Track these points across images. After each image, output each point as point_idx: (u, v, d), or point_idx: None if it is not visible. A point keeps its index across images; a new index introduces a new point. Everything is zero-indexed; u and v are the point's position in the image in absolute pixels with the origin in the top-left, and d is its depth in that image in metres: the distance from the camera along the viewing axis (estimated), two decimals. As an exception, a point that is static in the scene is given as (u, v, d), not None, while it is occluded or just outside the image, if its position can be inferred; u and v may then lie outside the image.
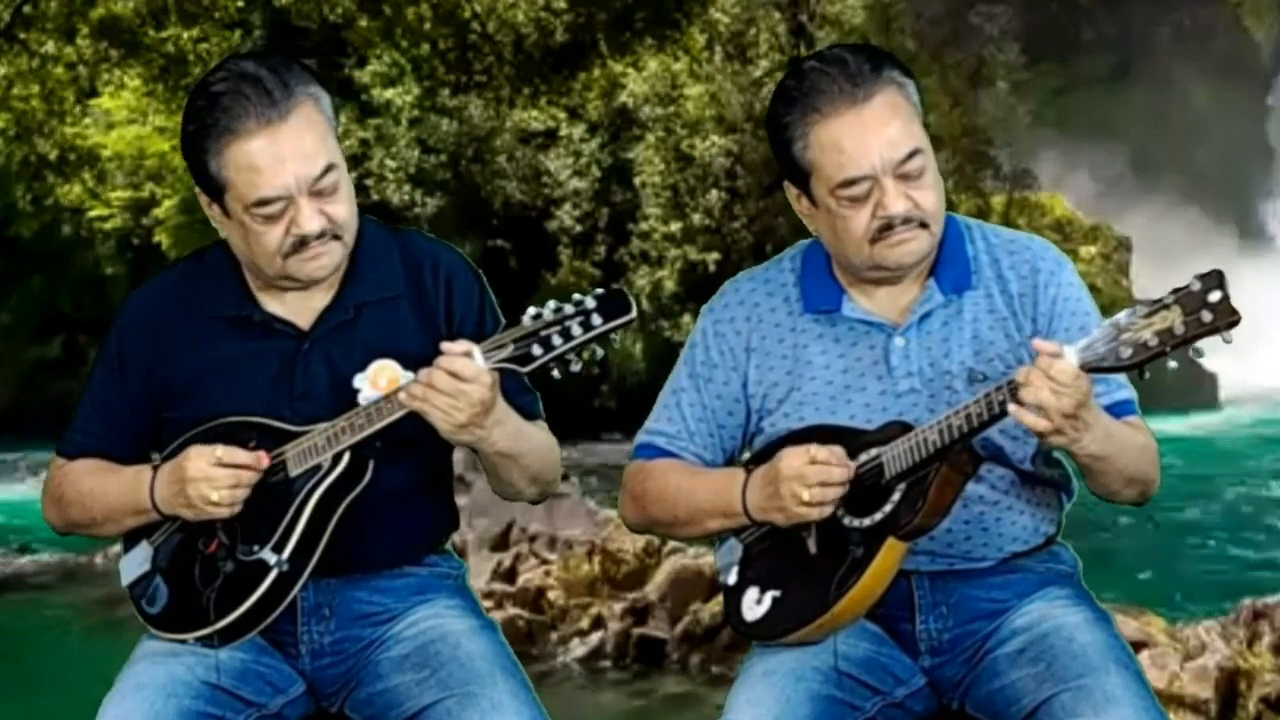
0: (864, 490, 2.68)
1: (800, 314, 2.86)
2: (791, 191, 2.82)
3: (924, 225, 2.73)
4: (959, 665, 2.83)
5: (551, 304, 2.61)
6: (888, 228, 2.71)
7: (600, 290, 2.61)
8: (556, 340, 2.59)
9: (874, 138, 2.70)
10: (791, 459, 2.67)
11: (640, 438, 2.94)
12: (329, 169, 2.73)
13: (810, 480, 2.65)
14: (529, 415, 2.84)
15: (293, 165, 2.71)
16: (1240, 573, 13.76)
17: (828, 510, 2.67)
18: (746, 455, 2.89)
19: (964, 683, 2.82)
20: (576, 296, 2.62)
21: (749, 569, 2.80)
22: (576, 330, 2.58)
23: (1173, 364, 2.50)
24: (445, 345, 2.64)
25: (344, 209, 2.77)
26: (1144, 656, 8.22)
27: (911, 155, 2.71)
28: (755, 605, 2.77)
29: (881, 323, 2.81)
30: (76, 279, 23.67)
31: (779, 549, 2.76)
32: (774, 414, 2.84)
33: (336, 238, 2.77)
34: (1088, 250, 26.45)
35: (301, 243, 2.74)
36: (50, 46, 24.04)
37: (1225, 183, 35.48)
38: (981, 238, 2.86)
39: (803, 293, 2.86)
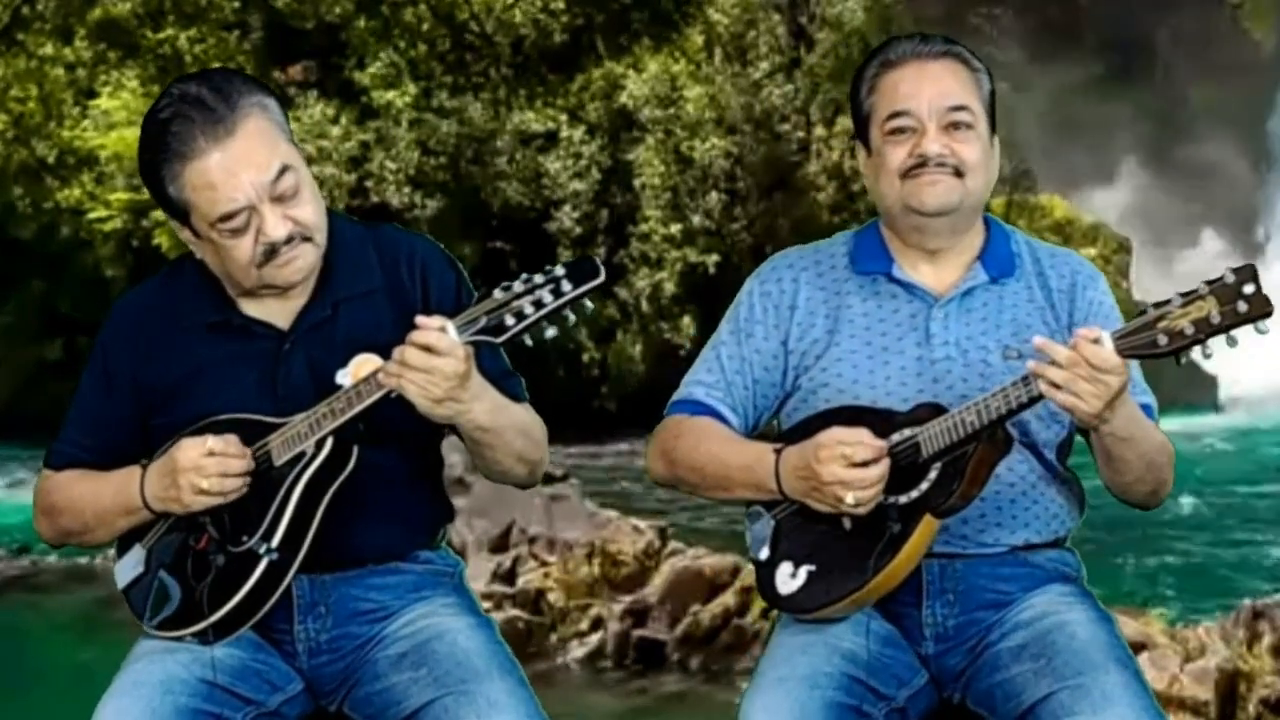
0: (900, 468, 2.72)
1: (847, 279, 2.95)
2: (861, 156, 2.97)
3: (959, 174, 2.86)
4: (961, 654, 2.85)
5: (522, 275, 2.62)
6: (921, 165, 2.84)
7: (569, 258, 2.63)
8: (529, 309, 2.59)
9: (929, 85, 2.87)
10: (830, 465, 2.70)
11: (679, 392, 3.00)
12: (284, 171, 2.75)
13: (854, 485, 2.69)
14: (514, 398, 2.85)
15: (247, 175, 2.73)
16: (1240, 574, 13.75)
17: (871, 506, 2.72)
18: (778, 434, 2.92)
19: (965, 674, 2.84)
20: (547, 266, 2.63)
21: (781, 544, 2.84)
22: (548, 298, 2.59)
23: (1208, 355, 2.55)
24: (420, 319, 2.64)
25: (309, 210, 2.79)
26: (1144, 658, 8.22)
27: (960, 108, 2.85)
28: (790, 579, 2.82)
29: (926, 292, 2.91)
30: (77, 281, 23.65)
31: (813, 524, 2.80)
32: (811, 369, 2.91)
33: (307, 240, 2.79)
34: (1087, 252, 26.46)
35: (272, 250, 2.76)
36: (48, 48, 24.05)
37: (1225, 184, 35.49)
38: (1024, 240, 3.01)
39: (852, 260, 2.97)
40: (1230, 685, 8.39)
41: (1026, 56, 31.59)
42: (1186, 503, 16.71)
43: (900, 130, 2.87)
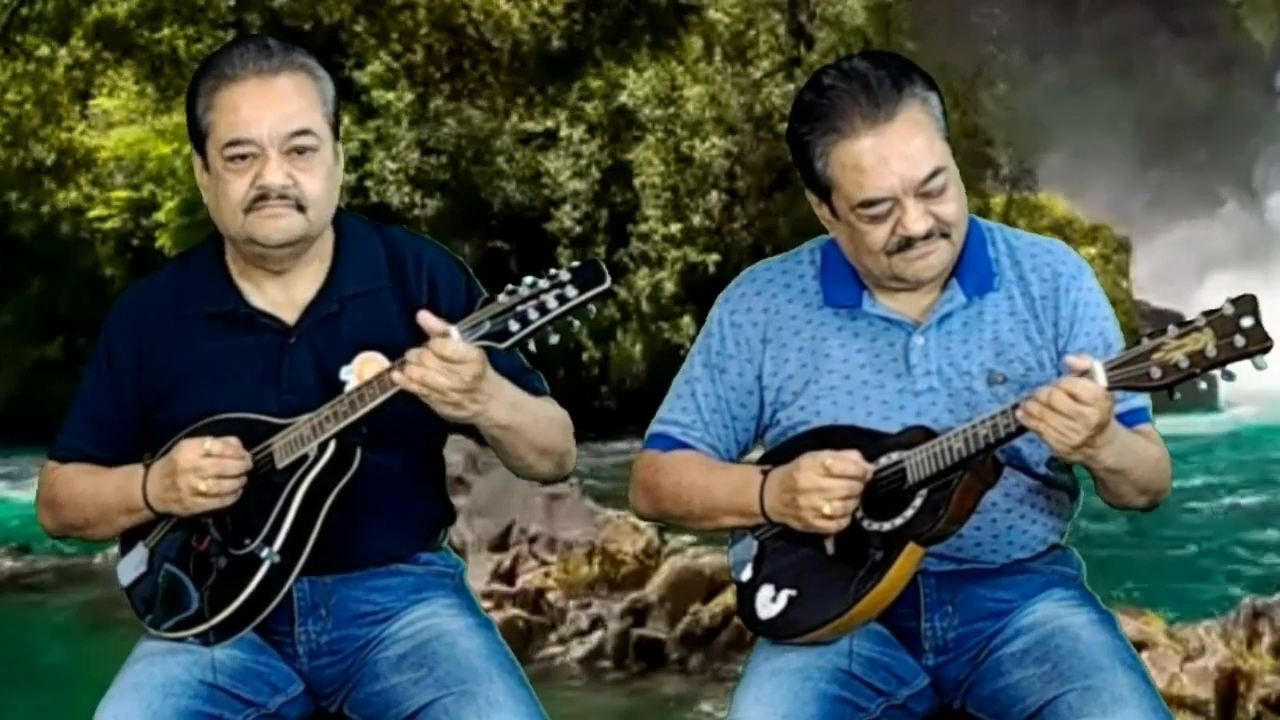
0: (884, 494, 2.67)
1: (819, 307, 2.84)
2: (812, 198, 2.80)
3: (945, 235, 2.72)
4: (963, 665, 2.83)
5: (527, 279, 2.60)
6: (908, 244, 2.71)
7: (575, 263, 2.61)
8: (533, 315, 2.58)
9: (895, 158, 2.67)
10: (809, 472, 2.66)
11: (654, 427, 2.93)
12: (303, 133, 2.77)
13: (832, 495, 2.65)
14: (535, 394, 2.83)
15: (270, 117, 2.76)
16: (1240, 575, 13.74)
17: (846, 522, 2.67)
18: (760, 452, 2.89)
19: (967, 682, 2.82)
20: (551, 270, 2.61)
21: (764, 566, 2.79)
22: (552, 303, 2.58)
23: (1202, 385, 2.51)
24: (423, 319, 2.63)
25: (315, 182, 2.79)
26: (1143, 657, 8.18)
27: (933, 175, 2.69)
28: (770, 603, 2.76)
29: (902, 320, 2.80)
30: (76, 280, 23.63)
31: (795, 548, 2.75)
32: (789, 406, 2.83)
33: (300, 208, 2.78)
34: (1087, 251, 26.35)
35: (262, 197, 2.76)
36: (45, 50, 24.04)
37: (1225, 183, 35.48)
38: (1002, 240, 2.85)
39: (822, 286, 2.85)
40: (1230, 685, 8.38)
41: (1026, 56, 31.58)
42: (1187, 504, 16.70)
43: (877, 217, 2.70)
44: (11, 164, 23.70)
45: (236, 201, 2.78)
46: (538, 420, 2.80)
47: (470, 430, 2.80)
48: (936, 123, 2.72)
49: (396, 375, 2.64)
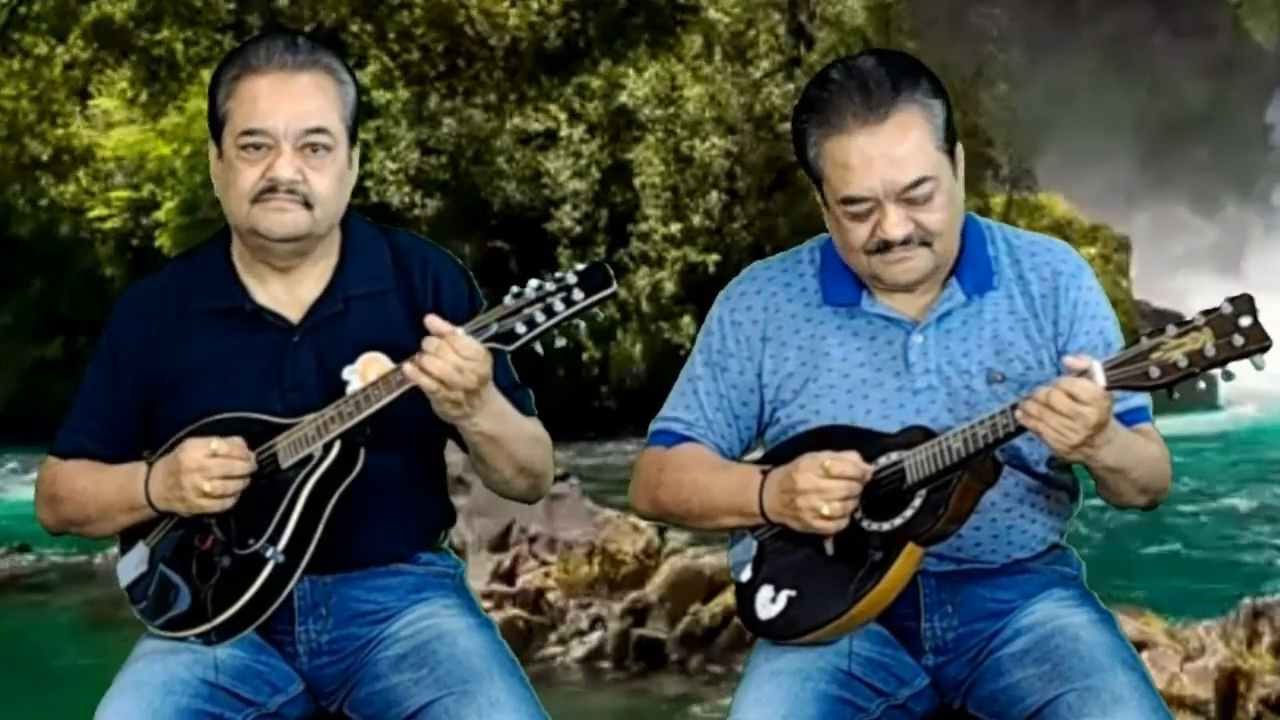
0: (883, 494, 2.67)
1: (819, 305, 2.85)
2: (828, 215, 2.81)
3: (926, 244, 2.71)
4: (963, 665, 2.83)
5: (533, 281, 2.61)
6: (886, 248, 2.71)
7: (580, 265, 2.61)
8: (539, 317, 2.59)
9: (881, 160, 2.67)
10: (808, 472, 2.66)
11: (657, 424, 2.93)
12: (318, 131, 2.79)
13: (831, 496, 2.65)
14: (523, 412, 2.84)
15: (287, 111, 2.78)
16: (1240, 575, 13.74)
17: (845, 523, 2.67)
18: (760, 451, 2.89)
19: (967, 682, 2.82)
20: (558, 273, 2.61)
21: (763, 567, 2.79)
22: (559, 306, 2.58)
23: (1201, 384, 2.52)
24: (430, 323, 2.63)
25: (325, 181, 2.80)
26: (1143, 657, 8.16)
27: (918, 183, 2.68)
28: (770, 604, 2.77)
29: (901, 319, 2.80)
30: (76, 280, 23.64)
31: (795, 549, 2.76)
32: (789, 405, 2.83)
33: (307, 205, 2.79)
34: (1087, 251, 26.35)
35: (270, 189, 2.77)
36: (42, 48, 24.05)
37: (1225, 183, 35.49)
38: (1002, 239, 2.85)
39: (821, 285, 2.86)
40: (1230, 684, 8.39)
41: (1026, 56, 31.58)
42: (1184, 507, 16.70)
43: (858, 215, 2.70)
44: (8, 159, 23.70)
45: (245, 191, 2.79)
46: (521, 436, 2.81)
47: (457, 436, 2.81)
48: (934, 130, 2.71)
49: (409, 369, 2.64)
